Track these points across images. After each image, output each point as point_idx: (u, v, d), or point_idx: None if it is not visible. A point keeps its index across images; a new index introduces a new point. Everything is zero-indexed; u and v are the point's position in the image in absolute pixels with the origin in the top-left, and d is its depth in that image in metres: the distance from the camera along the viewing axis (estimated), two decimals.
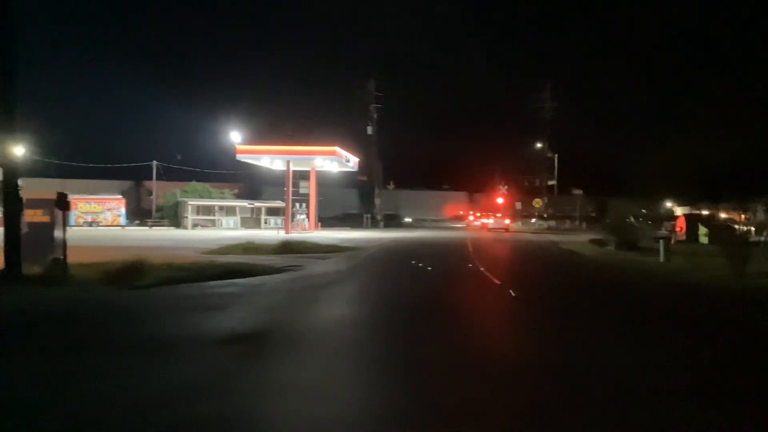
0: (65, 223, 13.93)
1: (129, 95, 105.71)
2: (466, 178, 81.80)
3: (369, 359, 7.19)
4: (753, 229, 23.33)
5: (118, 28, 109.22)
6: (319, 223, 47.50)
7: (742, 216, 19.15)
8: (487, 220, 56.59)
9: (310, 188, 45.56)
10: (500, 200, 70.01)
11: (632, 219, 29.89)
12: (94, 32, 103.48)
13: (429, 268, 18.13)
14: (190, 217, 49.05)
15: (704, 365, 7.04)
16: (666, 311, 11.27)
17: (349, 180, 57.71)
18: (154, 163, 56.77)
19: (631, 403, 5.48)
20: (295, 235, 35.78)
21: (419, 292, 13.41)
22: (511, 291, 12.66)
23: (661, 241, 21.74)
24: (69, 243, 13.60)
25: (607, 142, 74.38)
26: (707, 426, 4.95)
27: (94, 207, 49.73)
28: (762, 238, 19.55)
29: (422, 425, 4.91)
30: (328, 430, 4.80)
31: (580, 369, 6.69)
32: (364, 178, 62.56)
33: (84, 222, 48.14)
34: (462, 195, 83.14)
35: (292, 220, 42.87)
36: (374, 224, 59.47)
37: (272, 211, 50.80)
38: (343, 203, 63.71)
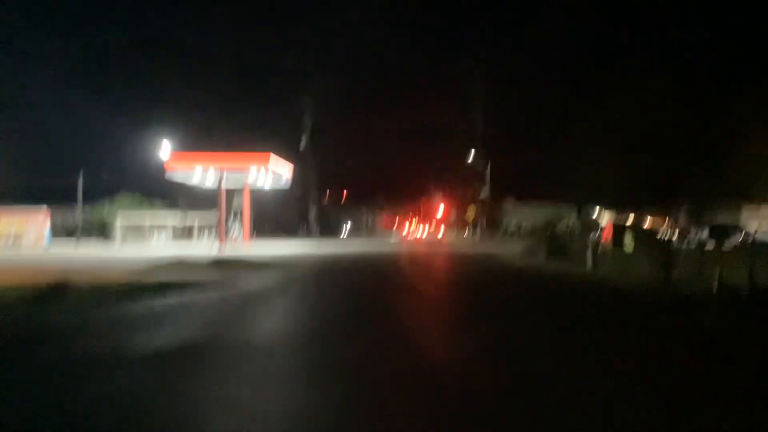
0: None
1: (51, 108, 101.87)
2: (401, 191, 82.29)
3: (304, 378, 7.15)
4: (675, 236, 24.25)
5: (42, 38, 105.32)
6: (254, 236, 46.88)
7: (666, 223, 19.89)
8: (421, 231, 57.12)
9: (244, 202, 44.86)
10: (434, 211, 70.77)
11: (561, 227, 30.65)
12: (16, 40, 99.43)
13: (364, 284, 18.16)
14: (119, 231, 47.67)
15: (621, 369, 7.28)
16: (590, 317, 11.64)
17: (284, 192, 57.20)
18: (81, 173, 54.60)
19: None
20: (229, 249, 35.20)
21: (354, 307, 13.45)
22: (433, 296, 12.75)
23: (589, 249, 22.36)
24: None
25: (540, 152, 76.00)
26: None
27: (17, 223, 47.04)
28: (684, 245, 20.36)
29: None
30: None
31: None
32: (299, 191, 62.21)
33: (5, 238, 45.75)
34: (397, 207, 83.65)
35: (226, 235, 42.15)
36: (309, 235, 59.24)
37: (205, 226, 49.85)
38: (278, 215, 63.16)
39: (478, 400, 6.23)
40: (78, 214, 53.43)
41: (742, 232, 37.26)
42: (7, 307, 12.01)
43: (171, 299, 13.81)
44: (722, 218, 31.78)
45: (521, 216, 70.65)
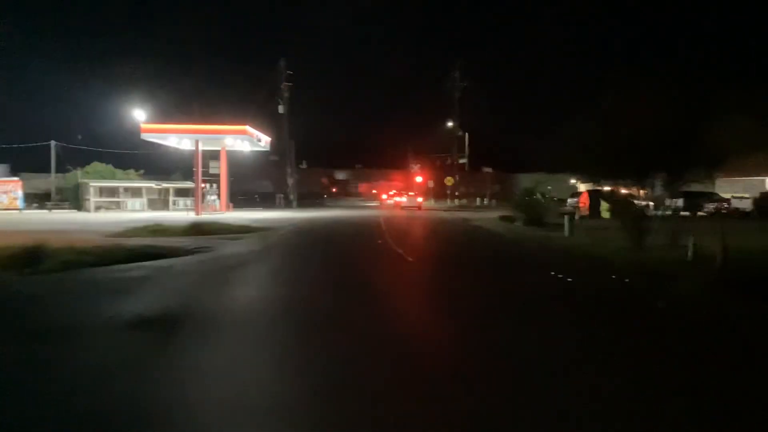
0: None
1: (24, 74, 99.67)
2: (380, 157, 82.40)
3: (280, 342, 7.12)
4: (651, 203, 24.51)
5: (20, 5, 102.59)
6: (231, 204, 46.56)
7: (641, 191, 20.04)
8: (400, 198, 57.00)
9: (221, 168, 44.47)
10: (413, 179, 70.74)
11: (539, 195, 30.77)
12: None
13: (342, 246, 18.18)
14: (93, 199, 46.97)
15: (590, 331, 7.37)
16: (565, 282, 11.75)
17: (261, 159, 56.73)
18: (53, 143, 54.02)
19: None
20: (206, 216, 34.97)
21: (331, 270, 13.50)
22: (407, 257, 12.82)
23: (565, 216, 22.54)
24: None
25: (517, 122, 76.27)
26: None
27: None
28: (659, 212, 20.56)
29: (335, 406, 4.90)
30: (241, 413, 4.72)
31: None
32: (277, 157, 61.67)
33: None
34: (375, 173, 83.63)
35: (203, 201, 41.81)
36: (287, 204, 58.92)
37: (181, 192, 49.26)
38: (255, 183, 62.80)
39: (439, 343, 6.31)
40: (52, 180, 52.85)
41: (716, 199, 37.80)
42: None
43: (148, 262, 13.71)
44: (696, 186, 32.10)
45: (498, 185, 70.95)
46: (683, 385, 5.41)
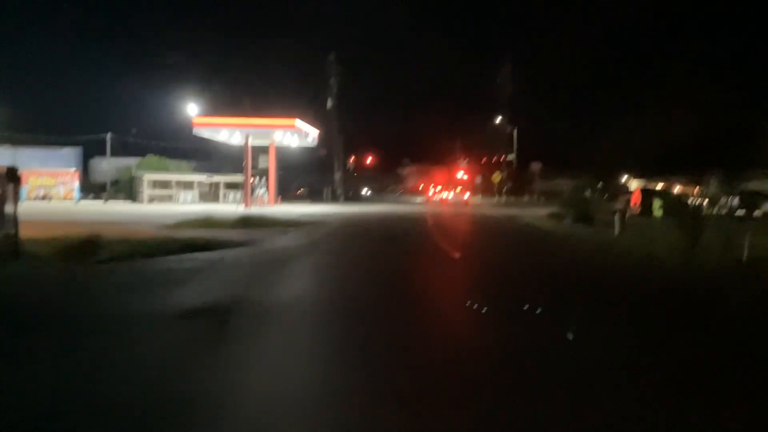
0: (17, 198, 13.49)
1: (83, 68, 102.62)
2: (426, 153, 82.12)
3: (331, 334, 7.20)
4: (706, 202, 23.97)
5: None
6: (279, 197, 47.17)
7: (696, 190, 19.58)
8: (446, 194, 56.85)
9: (270, 162, 45.12)
10: (460, 175, 70.43)
11: (589, 193, 30.34)
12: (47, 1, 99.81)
13: (390, 241, 18.25)
14: (146, 191, 48.17)
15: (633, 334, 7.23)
16: (612, 282, 11.56)
17: (309, 154, 57.28)
18: (108, 135, 55.62)
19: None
20: (255, 209, 35.49)
21: (378, 265, 13.56)
22: (453, 255, 12.78)
23: (616, 214, 22.13)
24: (21, 218, 13.19)
25: (567, 117, 75.10)
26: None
27: (47, 180, 48.54)
28: (714, 212, 20.07)
29: (385, 399, 4.94)
30: (295, 406, 4.80)
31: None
32: (324, 151, 62.18)
33: (36, 196, 47.05)
34: (422, 169, 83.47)
35: (252, 195, 42.45)
36: (334, 198, 59.39)
37: (231, 186, 50.10)
38: (303, 177, 63.41)
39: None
40: (107, 172, 54.53)
41: None
42: (42, 261, 12.24)
43: (200, 254, 13.98)
44: (753, 185, 31.23)
45: (547, 181, 70.06)
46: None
